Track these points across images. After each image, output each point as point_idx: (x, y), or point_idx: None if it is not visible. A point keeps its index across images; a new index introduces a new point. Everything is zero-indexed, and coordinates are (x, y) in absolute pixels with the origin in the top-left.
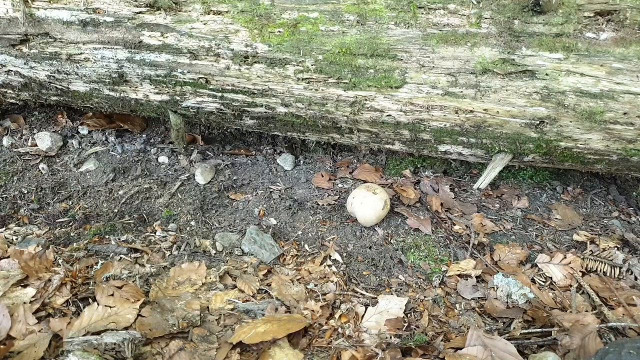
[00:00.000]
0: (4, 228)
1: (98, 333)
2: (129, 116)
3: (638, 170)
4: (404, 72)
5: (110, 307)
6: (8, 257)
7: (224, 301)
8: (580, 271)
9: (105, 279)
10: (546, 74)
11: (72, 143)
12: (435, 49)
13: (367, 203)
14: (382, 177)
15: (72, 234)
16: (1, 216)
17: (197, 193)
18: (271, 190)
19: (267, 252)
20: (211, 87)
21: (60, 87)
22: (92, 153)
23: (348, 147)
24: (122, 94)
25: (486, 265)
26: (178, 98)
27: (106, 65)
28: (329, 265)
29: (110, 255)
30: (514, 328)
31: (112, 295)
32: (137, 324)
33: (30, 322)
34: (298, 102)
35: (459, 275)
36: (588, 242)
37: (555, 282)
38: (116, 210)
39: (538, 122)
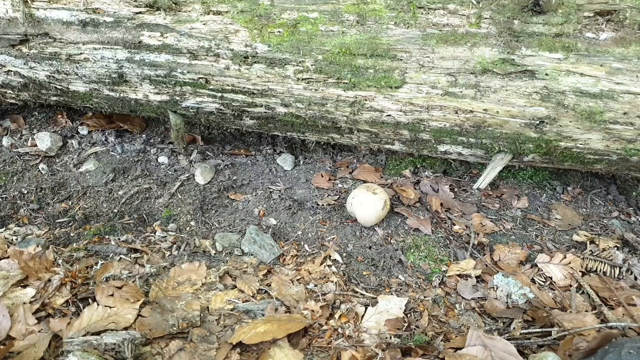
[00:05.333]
0: (4, 228)
1: (98, 333)
2: (129, 116)
3: (638, 170)
4: (403, 72)
5: (110, 307)
6: (8, 257)
7: (223, 301)
8: (580, 271)
9: (105, 279)
10: (546, 74)
11: (72, 143)
12: (435, 49)
13: (367, 203)
14: (382, 177)
15: (72, 234)
16: (1, 216)
17: (197, 193)
18: (271, 190)
19: (267, 252)
20: (211, 87)
21: (60, 87)
22: (91, 153)
23: (348, 147)
24: (121, 94)
25: (486, 265)
26: (178, 98)
27: (106, 65)
28: (329, 266)
29: (110, 256)
30: (514, 328)
31: (112, 295)
32: (137, 324)
33: (30, 322)
34: (298, 102)
35: (458, 275)
36: (588, 242)
37: (555, 282)
38: (116, 211)
39: (538, 122)
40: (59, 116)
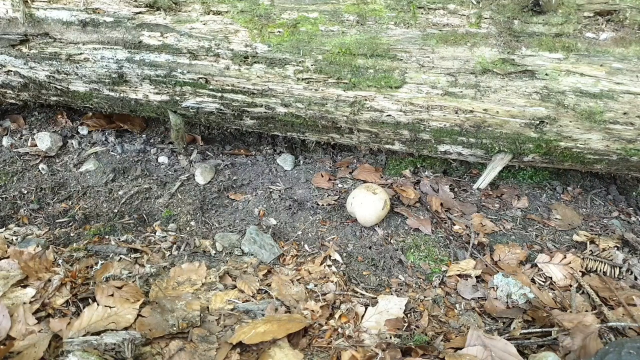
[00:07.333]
0: (4, 228)
1: (98, 333)
2: (129, 116)
3: (638, 170)
4: (403, 72)
5: (110, 307)
6: (8, 257)
7: (224, 301)
8: (580, 271)
9: (105, 279)
10: (546, 74)
11: (72, 143)
12: (435, 49)
13: (367, 203)
14: (382, 177)
15: (72, 234)
16: (1, 216)
17: (197, 193)
18: (271, 190)
19: (267, 252)
20: (211, 87)
21: (60, 87)
22: (91, 153)
23: (348, 147)
24: (121, 94)
25: (486, 265)
26: (178, 98)
27: (106, 65)
28: (329, 266)
29: (110, 256)
30: (514, 328)
31: (112, 295)
32: (137, 324)
33: (30, 322)
34: (298, 102)
35: (459, 275)
36: (588, 242)
37: (555, 282)
38: (116, 211)
39: (538, 122)
40: (59, 116)
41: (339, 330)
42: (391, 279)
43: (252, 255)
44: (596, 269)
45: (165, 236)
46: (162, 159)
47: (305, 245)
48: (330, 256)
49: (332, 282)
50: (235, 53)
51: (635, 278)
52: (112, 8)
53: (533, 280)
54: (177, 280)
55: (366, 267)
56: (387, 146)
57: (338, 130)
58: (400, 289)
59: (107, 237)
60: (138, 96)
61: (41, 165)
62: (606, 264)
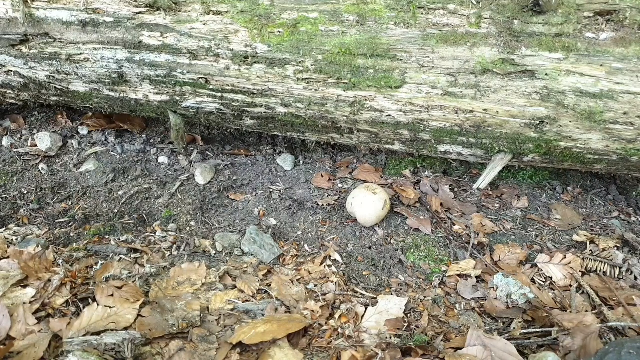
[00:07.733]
0: (4, 228)
1: (98, 333)
2: (129, 116)
3: (638, 170)
4: (403, 72)
5: (110, 307)
6: (8, 257)
7: (224, 301)
8: (580, 271)
9: (105, 279)
10: (546, 74)
11: (72, 143)
12: (435, 49)
13: (367, 203)
14: (382, 177)
15: (72, 234)
16: (1, 216)
17: (197, 193)
18: (271, 190)
19: (267, 252)
20: (211, 87)
21: (60, 87)
22: (91, 153)
23: (348, 147)
24: (121, 94)
25: (486, 265)
26: (178, 98)
27: (106, 65)
28: (329, 266)
29: (110, 256)
30: (514, 328)
31: (112, 295)
32: (137, 324)
33: (30, 322)
34: (298, 102)
35: (459, 275)
36: (588, 242)
37: (555, 282)
38: (116, 211)
39: (538, 122)
40: (59, 116)
41: (339, 330)
42: (391, 279)
43: (252, 255)
44: (596, 269)
45: (165, 236)
46: (162, 159)
47: (305, 246)
48: (330, 256)
49: (332, 282)
50: (235, 53)
51: (635, 278)
52: (112, 8)
53: (533, 280)
54: (177, 280)
55: (366, 267)
56: (387, 146)
57: (338, 130)
58: (400, 289)
59: (107, 237)
60: (138, 96)
61: (41, 165)
62: (606, 264)
